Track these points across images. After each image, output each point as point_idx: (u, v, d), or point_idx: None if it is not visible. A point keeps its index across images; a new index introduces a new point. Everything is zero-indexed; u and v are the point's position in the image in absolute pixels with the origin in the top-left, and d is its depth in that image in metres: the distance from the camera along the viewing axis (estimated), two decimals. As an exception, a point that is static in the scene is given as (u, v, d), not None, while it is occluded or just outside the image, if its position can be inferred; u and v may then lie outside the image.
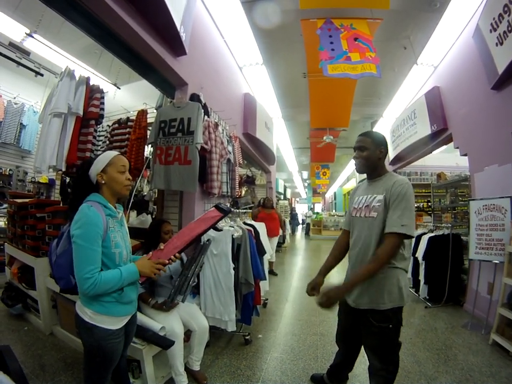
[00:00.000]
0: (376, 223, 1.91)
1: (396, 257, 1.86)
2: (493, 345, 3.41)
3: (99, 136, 4.36)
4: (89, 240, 1.48)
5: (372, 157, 2.06)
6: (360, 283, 1.83)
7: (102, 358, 1.62)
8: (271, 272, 6.87)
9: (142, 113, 3.96)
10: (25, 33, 4.16)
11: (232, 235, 3.30)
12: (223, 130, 4.10)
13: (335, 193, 27.01)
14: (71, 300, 2.84)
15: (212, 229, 3.37)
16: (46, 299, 3.40)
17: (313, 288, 2.10)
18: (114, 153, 1.73)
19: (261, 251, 3.85)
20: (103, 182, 1.65)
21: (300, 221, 22.21)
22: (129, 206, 3.84)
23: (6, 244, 4.23)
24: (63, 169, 3.16)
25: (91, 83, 3.39)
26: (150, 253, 1.81)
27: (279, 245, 10.63)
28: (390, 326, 1.86)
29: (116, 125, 4.28)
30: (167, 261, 1.76)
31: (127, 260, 1.70)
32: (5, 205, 5.44)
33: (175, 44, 3.20)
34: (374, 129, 9.12)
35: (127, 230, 1.85)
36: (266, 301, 4.79)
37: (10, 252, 4.01)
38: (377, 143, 2.06)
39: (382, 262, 1.79)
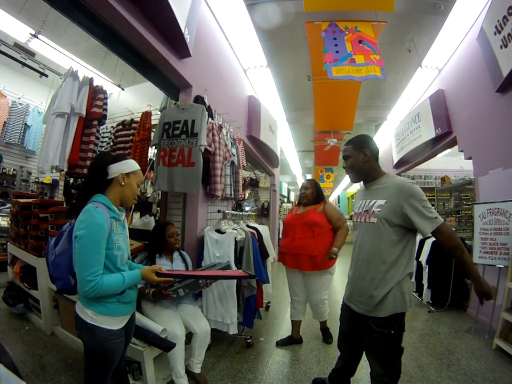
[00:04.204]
0: (376, 229, 1.90)
1: (405, 262, 1.86)
2: (496, 350, 3.38)
3: (103, 137, 4.38)
4: (94, 242, 1.49)
5: (356, 163, 2.05)
6: (475, 269, 1.82)
7: (104, 359, 1.61)
8: (326, 332, 3.68)
9: (146, 115, 3.98)
10: (30, 34, 4.18)
11: (235, 238, 3.29)
12: (227, 132, 4.10)
13: (338, 196, 26.95)
14: (72, 300, 2.83)
15: (215, 232, 3.41)
16: (48, 299, 3.40)
17: None
18: (138, 166, 1.82)
19: (264, 254, 3.83)
20: (122, 183, 1.69)
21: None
22: (133, 208, 3.84)
23: (8, 243, 4.25)
24: (65, 170, 3.17)
25: (95, 84, 3.40)
26: (160, 266, 1.82)
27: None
28: (392, 331, 1.84)
29: (120, 127, 4.30)
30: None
31: (125, 262, 1.71)
32: (8, 205, 5.45)
33: (179, 46, 3.20)
34: (378, 133, 9.13)
35: (128, 233, 1.85)
36: (268, 304, 4.79)
37: (13, 251, 4.02)
38: (358, 148, 2.05)
39: (462, 247, 1.80)
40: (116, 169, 1.68)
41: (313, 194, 3.47)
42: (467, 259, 1.80)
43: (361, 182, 2.21)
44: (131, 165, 1.77)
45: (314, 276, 3.34)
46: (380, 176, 2.04)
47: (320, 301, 3.43)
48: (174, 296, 2.45)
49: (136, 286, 1.81)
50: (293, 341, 3.57)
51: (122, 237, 1.69)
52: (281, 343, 3.54)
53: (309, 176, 20.27)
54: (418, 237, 4.69)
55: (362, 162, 2.03)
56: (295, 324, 3.62)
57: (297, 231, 3.35)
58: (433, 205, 8.01)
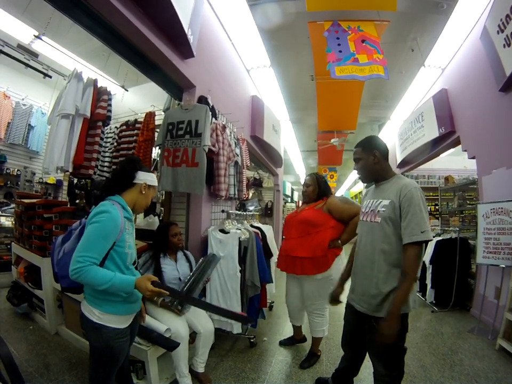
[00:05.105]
0: (379, 229, 1.89)
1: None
2: (500, 350, 3.38)
3: (107, 138, 4.39)
4: (101, 232, 1.52)
5: (366, 166, 2.06)
6: (403, 305, 1.77)
7: (110, 357, 1.63)
8: (311, 357, 3.16)
9: (150, 115, 3.99)
10: (34, 35, 4.20)
11: (239, 237, 3.29)
12: (230, 132, 4.10)
13: (342, 196, 26.84)
14: (77, 300, 2.84)
15: (219, 232, 3.40)
16: (52, 299, 3.42)
17: (336, 299, 2.32)
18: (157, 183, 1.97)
19: (268, 254, 3.83)
20: (143, 192, 1.79)
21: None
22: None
23: (13, 243, 4.27)
24: (70, 170, 3.19)
25: (99, 85, 3.42)
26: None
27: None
28: (395, 331, 1.84)
29: (124, 127, 4.31)
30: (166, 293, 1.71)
31: (133, 262, 1.77)
32: (13, 205, 5.48)
33: (182, 46, 3.21)
34: (382, 132, 9.11)
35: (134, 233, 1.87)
36: (272, 304, 4.78)
37: (17, 251, 4.05)
38: (368, 150, 2.05)
39: (414, 277, 1.77)
40: (143, 177, 1.80)
41: (315, 192, 3.14)
42: (407, 290, 1.75)
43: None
44: (154, 179, 1.89)
45: (308, 280, 2.96)
46: (390, 176, 2.04)
47: (316, 309, 3.04)
48: (184, 311, 2.57)
49: None
50: (295, 341, 3.54)
51: (132, 236, 1.74)
52: (285, 343, 3.53)
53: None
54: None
55: (373, 164, 2.03)
56: (295, 327, 3.49)
57: (291, 230, 3.11)
58: (436, 205, 8.08)
